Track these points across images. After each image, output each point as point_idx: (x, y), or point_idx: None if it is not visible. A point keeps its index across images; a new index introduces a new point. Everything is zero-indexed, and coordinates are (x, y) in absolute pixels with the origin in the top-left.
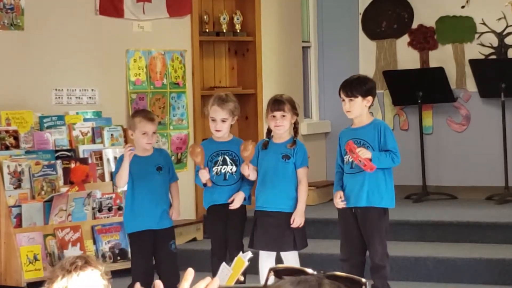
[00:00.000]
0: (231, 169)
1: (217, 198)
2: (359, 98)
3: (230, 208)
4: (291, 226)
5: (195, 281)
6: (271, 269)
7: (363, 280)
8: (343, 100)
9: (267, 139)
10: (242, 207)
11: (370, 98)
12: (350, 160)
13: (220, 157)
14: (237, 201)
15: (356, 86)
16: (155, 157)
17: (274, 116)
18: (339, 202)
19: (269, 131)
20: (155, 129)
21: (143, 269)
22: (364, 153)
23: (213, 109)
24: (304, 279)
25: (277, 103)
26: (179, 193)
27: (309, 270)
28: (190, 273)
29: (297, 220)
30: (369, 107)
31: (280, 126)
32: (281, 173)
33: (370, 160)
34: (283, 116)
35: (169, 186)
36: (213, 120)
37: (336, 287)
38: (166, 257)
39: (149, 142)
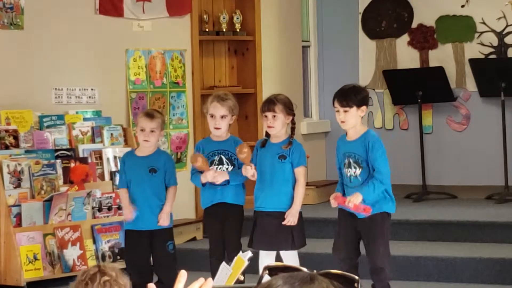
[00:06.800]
0: (227, 169)
1: (213, 198)
2: (354, 108)
3: (211, 181)
4: (282, 223)
5: (192, 280)
6: (265, 268)
7: (356, 277)
8: (338, 110)
9: (266, 138)
10: (240, 207)
11: (364, 108)
12: (349, 174)
13: (217, 156)
14: (220, 176)
15: (351, 96)
16: (151, 159)
17: (266, 117)
18: (334, 201)
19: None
20: (155, 127)
21: (136, 267)
22: (355, 200)
23: (212, 106)
24: (297, 274)
25: (267, 103)
26: (173, 198)
27: (304, 269)
28: (183, 275)
29: (290, 219)
30: (362, 117)
31: (272, 127)
32: (278, 173)
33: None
34: (274, 116)
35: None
36: (212, 116)
37: (328, 281)
38: (163, 258)
39: (146, 139)
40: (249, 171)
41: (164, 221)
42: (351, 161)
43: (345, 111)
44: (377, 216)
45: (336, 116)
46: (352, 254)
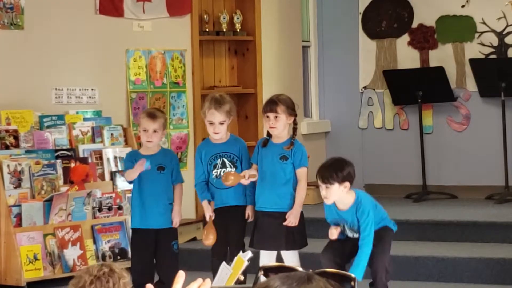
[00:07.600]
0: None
1: (217, 201)
2: (336, 185)
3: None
4: (283, 224)
5: (191, 281)
6: (260, 268)
7: (353, 276)
8: (320, 185)
9: (268, 138)
10: (243, 207)
11: (347, 183)
12: (348, 234)
13: (219, 160)
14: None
15: (332, 173)
16: (158, 157)
17: (268, 117)
18: (334, 232)
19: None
20: (157, 128)
21: (140, 266)
22: None
23: (210, 113)
24: (294, 274)
25: (269, 104)
26: (181, 196)
27: (300, 269)
28: (181, 275)
29: (291, 220)
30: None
31: (274, 128)
32: (280, 173)
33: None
34: (276, 117)
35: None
36: (211, 123)
37: (325, 281)
38: (167, 257)
39: (149, 140)
40: (244, 182)
41: (177, 221)
42: (346, 227)
43: (327, 187)
44: (380, 231)
45: (320, 190)
46: (339, 258)
